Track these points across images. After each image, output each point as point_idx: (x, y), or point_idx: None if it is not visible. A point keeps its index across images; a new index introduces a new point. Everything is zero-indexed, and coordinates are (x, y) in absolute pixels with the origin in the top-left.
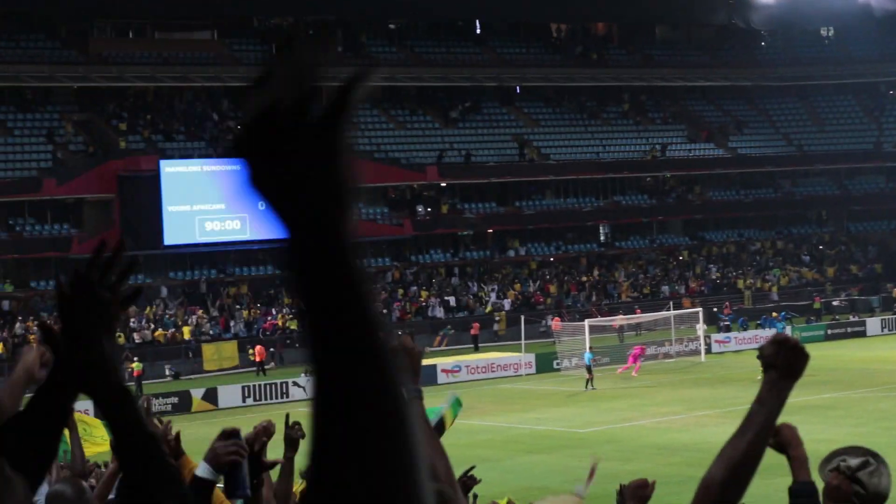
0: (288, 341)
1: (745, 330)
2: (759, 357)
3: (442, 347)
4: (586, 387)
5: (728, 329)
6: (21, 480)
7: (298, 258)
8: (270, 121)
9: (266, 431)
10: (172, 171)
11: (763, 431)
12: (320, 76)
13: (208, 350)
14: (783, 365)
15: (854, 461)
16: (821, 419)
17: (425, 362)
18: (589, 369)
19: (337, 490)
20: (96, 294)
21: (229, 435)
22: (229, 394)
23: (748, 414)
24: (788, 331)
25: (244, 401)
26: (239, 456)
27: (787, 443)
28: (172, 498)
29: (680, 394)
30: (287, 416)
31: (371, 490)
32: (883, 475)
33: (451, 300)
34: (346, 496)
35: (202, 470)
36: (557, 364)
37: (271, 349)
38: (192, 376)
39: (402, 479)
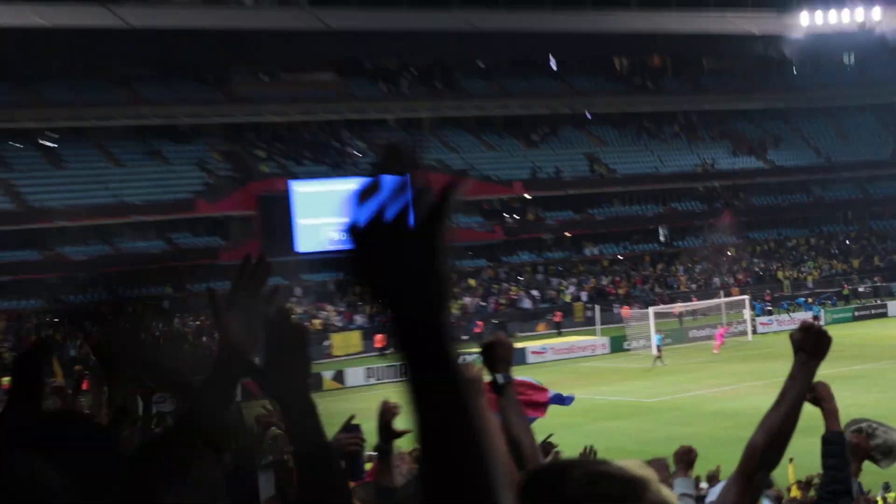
0: None
1: (787, 312)
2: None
3: (544, 332)
4: (653, 363)
5: (770, 313)
6: (211, 455)
7: (402, 346)
8: (376, 228)
9: (398, 407)
10: (302, 191)
11: (796, 403)
12: (419, 183)
13: (336, 339)
14: (811, 348)
15: (871, 424)
16: (850, 388)
17: (516, 345)
18: (659, 349)
19: None
20: (294, 321)
21: (351, 428)
22: (355, 374)
23: (783, 389)
24: (822, 314)
25: (367, 380)
26: (358, 446)
27: (822, 397)
28: None
29: (731, 368)
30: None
31: None
32: (893, 431)
33: (537, 294)
34: None
35: None
36: (627, 345)
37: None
38: (322, 360)
39: None
